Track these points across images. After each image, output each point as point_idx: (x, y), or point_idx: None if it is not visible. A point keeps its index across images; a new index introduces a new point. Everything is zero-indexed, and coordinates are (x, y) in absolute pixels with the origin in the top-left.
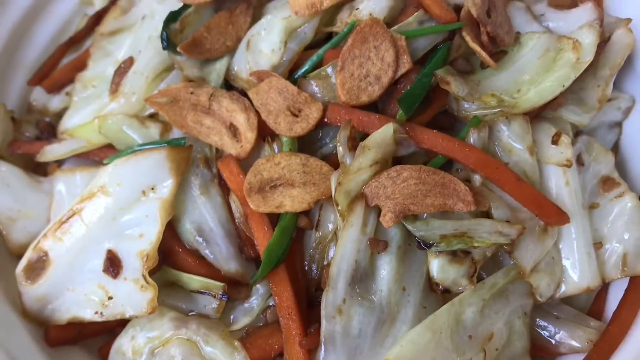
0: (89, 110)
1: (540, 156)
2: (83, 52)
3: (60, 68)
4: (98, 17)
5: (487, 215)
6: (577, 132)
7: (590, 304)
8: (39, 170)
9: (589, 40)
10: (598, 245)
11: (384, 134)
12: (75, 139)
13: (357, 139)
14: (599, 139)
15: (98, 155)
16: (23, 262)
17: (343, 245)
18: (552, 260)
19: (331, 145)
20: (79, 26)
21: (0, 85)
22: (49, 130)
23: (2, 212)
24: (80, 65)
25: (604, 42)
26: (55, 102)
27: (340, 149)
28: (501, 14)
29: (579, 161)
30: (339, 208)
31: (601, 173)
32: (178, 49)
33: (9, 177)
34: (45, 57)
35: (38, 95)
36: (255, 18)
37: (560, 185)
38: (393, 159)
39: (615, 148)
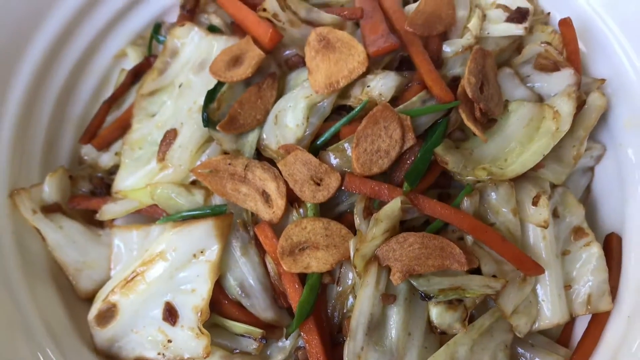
0: (139, 174)
1: (522, 215)
2: (126, 111)
3: (107, 127)
4: (135, 73)
5: (478, 268)
6: (554, 185)
7: (559, 334)
8: (94, 219)
9: (567, 110)
10: (567, 287)
11: (393, 207)
12: (128, 199)
13: (369, 207)
14: (574, 182)
15: (149, 212)
16: (94, 311)
17: (361, 302)
18: (530, 303)
19: (346, 203)
20: (118, 81)
21: (54, 141)
22: (102, 186)
23: (71, 264)
24: (125, 124)
25: (580, 105)
26: (105, 159)
27: (357, 219)
28: (493, 85)
29: (555, 214)
30: (357, 270)
31: (573, 224)
32: (217, 128)
33: (74, 233)
34: (89, 111)
35: (88, 151)
36: (279, 88)
37: (538, 239)
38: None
39: (588, 190)
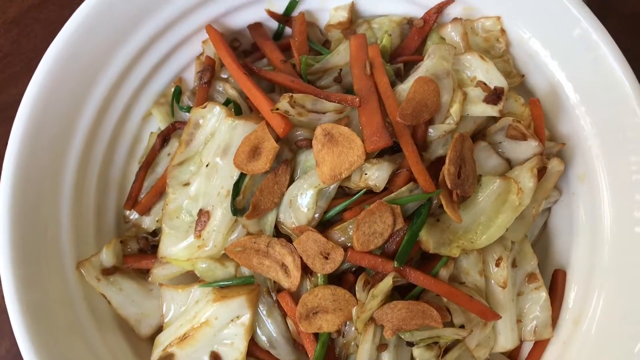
0: (181, 246)
1: (487, 273)
2: (160, 178)
3: (146, 194)
4: (163, 139)
5: (451, 320)
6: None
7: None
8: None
9: (529, 185)
10: (519, 321)
11: (386, 283)
12: (172, 265)
13: (367, 279)
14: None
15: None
16: (155, 355)
17: (361, 355)
18: (489, 339)
19: (347, 265)
20: (149, 145)
21: (102, 205)
22: (148, 246)
23: (132, 317)
24: (161, 190)
25: (542, 171)
26: (147, 222)
27: (358, 292)
28: (469, 164)
29: (513, 264)
30: (358, 330)
31: (528, 271)
32: (244, 217)
33: (132, 293)
34: (126, 171)
35: (131, 213)
36: (291, 169)
37: (499, 290)
38: None
39: (544, 225)
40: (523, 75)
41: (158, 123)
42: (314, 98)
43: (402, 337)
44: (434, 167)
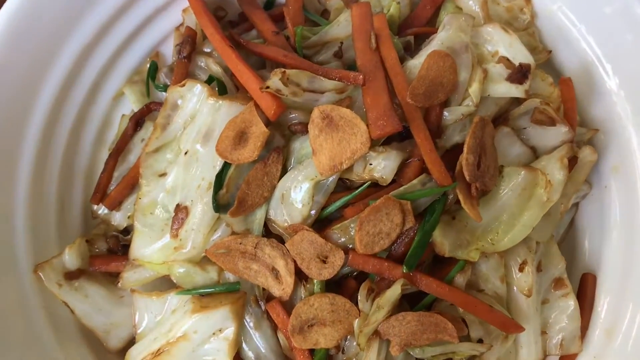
0: (155, 247)
1: (509, 279)
2: (132, 168)
3: (116, 187)
4: (136, 122)
5: (468, 333)
6: None
7: None
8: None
9: (559, 178)
10: (544, 333)
11: (393, 291)
12: (145, 268)
13: (371, 287)
14: None
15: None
16: None
17: None
18: (510, 353)
19: (347, 268)
20: (120, 130)
21: (66, 197)
22: (118, 246)
23: (99, 328)
24: (133, 181)
25: (573, 161)
26: (117, 218)
27: (360, 303)
28: (490, 154)
29: (538, 268)
30: (360, 346)
31: (554, 275)
32: (228, 214)
33: (99, 300)
34: (95, 159)
35: (100, 206)
36: (283, 157)
37: (522, 298)
38: None
39: (571, 223)
40: (550, 51)
41: (131, 104)
42: (310, 75)
43: (412, 353)
44: (450, 156)
